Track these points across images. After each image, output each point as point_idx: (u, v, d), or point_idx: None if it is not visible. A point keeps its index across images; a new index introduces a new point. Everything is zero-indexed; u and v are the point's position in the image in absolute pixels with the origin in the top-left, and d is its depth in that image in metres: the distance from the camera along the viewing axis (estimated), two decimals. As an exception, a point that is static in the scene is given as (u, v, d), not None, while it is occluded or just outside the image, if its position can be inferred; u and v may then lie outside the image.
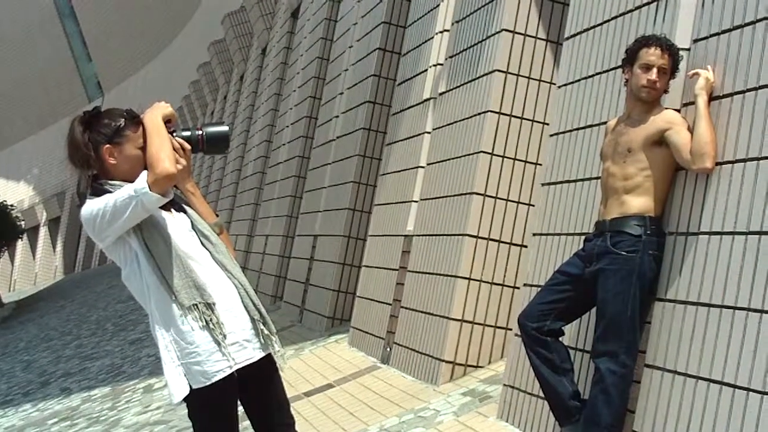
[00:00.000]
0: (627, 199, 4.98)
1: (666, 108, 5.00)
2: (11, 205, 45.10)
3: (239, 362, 3.98)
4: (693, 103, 4.79)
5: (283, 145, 17.05)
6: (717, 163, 4.61)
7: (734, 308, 4.31)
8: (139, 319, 20.04)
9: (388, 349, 9.01)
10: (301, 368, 9.88)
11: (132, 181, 3.88)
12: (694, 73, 4.82)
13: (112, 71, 64.92)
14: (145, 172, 3.84)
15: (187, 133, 4.10)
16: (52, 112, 67.41)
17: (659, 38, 5.02)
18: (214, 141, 4.17)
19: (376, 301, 9.66)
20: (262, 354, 4.08)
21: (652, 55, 4.98)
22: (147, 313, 4.10)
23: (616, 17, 5.90)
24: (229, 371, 3.94)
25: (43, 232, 70.00)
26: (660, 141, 4.89)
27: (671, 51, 4.98)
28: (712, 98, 4.73)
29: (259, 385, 4.15)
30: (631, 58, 5.08)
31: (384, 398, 7.90)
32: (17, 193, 70.23)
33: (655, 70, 4.96)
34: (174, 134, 4.03)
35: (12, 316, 37.87)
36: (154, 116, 3.99)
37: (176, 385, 3.94)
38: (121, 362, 15.68)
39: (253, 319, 4.06)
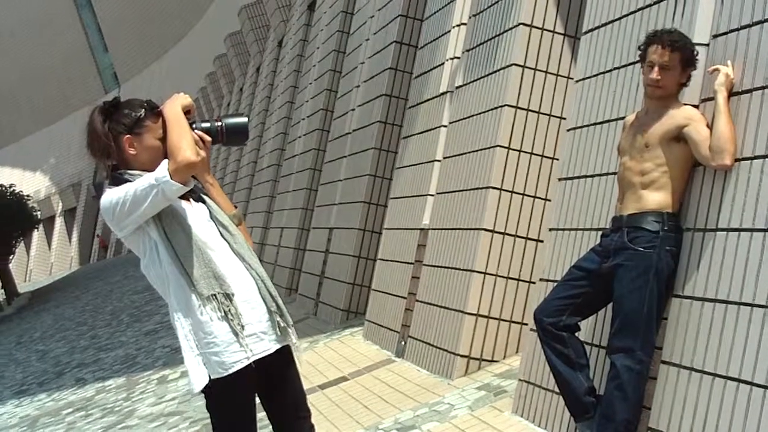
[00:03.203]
0: (644, 195, 4.96)
1: (685, 104, 4.97)
2: (27, 196, 45.24)
3: (256, 353, 3.99)
4: (712, 98, 4.77)
5: (299, 137, 17.05)
6: (736, 160, 4.59)
7: (752, 305, 4.30)
8: (154, 311, 20.11)
9: (403, 343, 9.01)
10: (315, 361, 9.89)
11: (151, 171, 3.89)
12: (714, 69, 4.79)
13: (129, 62, 65.05)
14: (166, 161, 3.85)
15: (206, 125, 4.11)
16: (68, 102, 67.62)
17: (661, 35, 4.98)
18: (234, 132, 4.17)
19: (392, 294, 9.66)
20: (279, 346, 4.09)
21: (654, 53, 4.95)
22: (165, 304, 4.11)
23: (634, 12, 5.88)
24: (246, 362, 3.95)
25: (59, 222, 70.27)
26: (678, 137, 4.86)
27: (673, 47, 4.93)
28: (731, 94, 4.70)
29: (275, 376, 4.16)
30: (642, 55, 5.07)
31: (398, 392, 7.90)
32: (33, 184, 70.47)
33: (656, 68, 4.93)
34: (193, 126, 4.03)
35: (27, 306, 38.05)
36: (174, 106, 4.00)
37: (197, 374, 3.95)
38: (135, 353, 15.73)
39: (270, 311, 4.07)
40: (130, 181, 3.92)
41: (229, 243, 4.10)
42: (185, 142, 3.85)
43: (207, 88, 38.13)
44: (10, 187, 43.20)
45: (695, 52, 4.96)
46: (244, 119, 4.23)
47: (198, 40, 50.07)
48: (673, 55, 4.91)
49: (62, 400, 13.55)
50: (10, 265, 45.85)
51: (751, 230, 4.40)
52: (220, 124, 4.14)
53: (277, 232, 17.61)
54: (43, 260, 70.34)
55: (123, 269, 37.48)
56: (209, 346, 3.94)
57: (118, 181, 3.98)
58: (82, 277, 47.29)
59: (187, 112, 4.02)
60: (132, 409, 11.02)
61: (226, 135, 4.15)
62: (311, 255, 14.18)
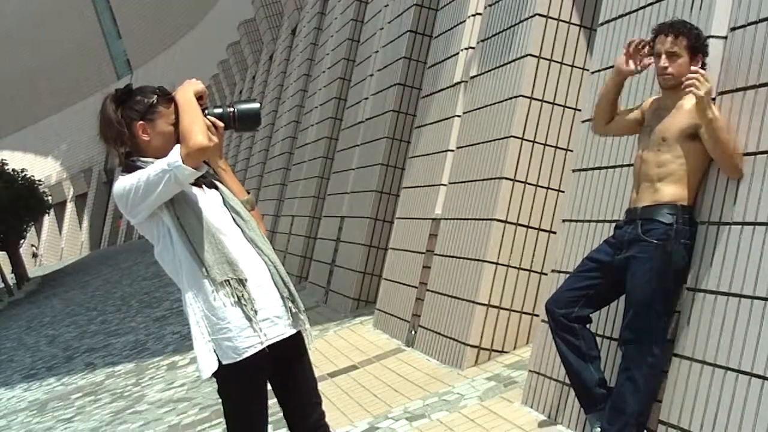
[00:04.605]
0: (660, 187, 4.93)
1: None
2: (39, 181, 45.37)
3: (270, 338, 4.01)
4: (730, 91, 4.75)
5: (312, 125, 17.05)
6: (752, 153, 4.56)
7: (765, 299, 4.28)
8: (163, 297, 20.15)
9: (413, 332, 9.00)
10: (325, 349, 9.89)
11: (165, 158, 3.90)
12: (687, 85, 4.70)
13: (142, 49, 65.12)
14: (178, 146, 3.86)
15: (218, 110, 4.11)
16: (80, 88, 67.72)
17: (664, 25, 4.99)
18: (246, 118, 4.17)
19: (402, 283, 9.66)
20: (293, 331, 4.11)
21: (658, 43, 4.98)
22: (175, 290, 4.13)
23: (651, 3, 5.84)
24: (260, 347, 3.97)
25: (70, 207, 70.48)
26: (695, 134, 4.84)
27: (677, 33, 4.91)
28: (749, 87, 4.67)
29: (288, 363, 4.18)
30: (651, 50, 5.08)
31: (408, 381, 7.90)
32: (45, 169, 70.67)
33: (663, 56, 4.93)
34: (206, 111, 4.04)
35: (37, 291, 38.17)
36: (187, 92, 4.01)
37: (205, 360, 3.96)
38: (145, 339, 15.77)
39: (282, 297, 4.07)
40: (143, 168, 3.93)
41: (242, 229, 4.11)
42: (197, 127, 3.86)
43: (220, 76, 38.14)
44: (22, 171, 43.36)
45: (702, 38, 4.94)
46: (257, 105, 4.23)
47: (211, 28, 50.09)
48: (678, 41, 4.91)
49: (71, 384, 13.60)
50: (21, 250, 45.98)
51: (765, 224, 4.38)
52: (232, 110, 4.14)
53: (288, 220, 17.62)
54: (54, 245, 70.56)
55: (133, 255, 37.59)
56: (222, 332, 3.95)
57: (131, 168, 3.99)
58: (92, 262, 47.42)
59: (199, 98, 4.03)
60: (141, 395, 11.05)
61: (238, 121, 4.15)
62: (322, 243, 14.19)
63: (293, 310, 4.10)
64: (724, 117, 4.70)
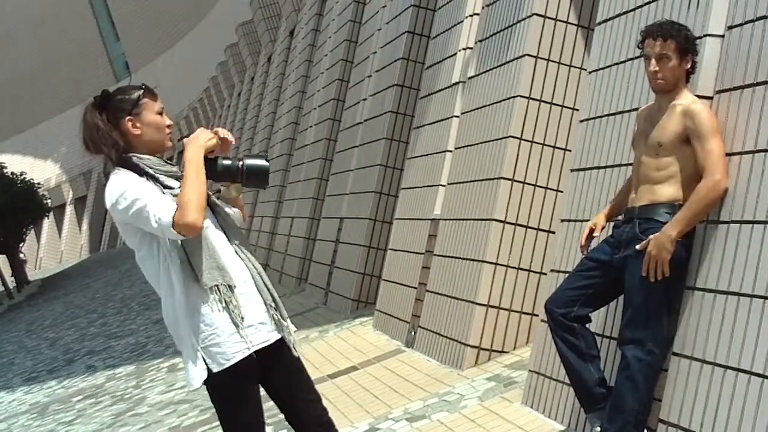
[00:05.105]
0: (658, 188, 4.92)
1: (697, 95, 4.94)
2: (38, 184, 45.35)
3: (256, 344, 4.02)
4: (727, 90, 4.75)
5: (310, 127, 17.05)
6: (749, 152, 4.56)
7: (764, 298, 4.28)
8: (163, 299, 20.12)
9: (413, 333, 9.00)
10: (325, 350, 9.89)
11: (157, 149, 4.04)
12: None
13: (140, 51, 65.08)
14: (174, 205, 3.84)
15: (228, 162, 4.12)
16: (79, 91, 67.62)
17: (652, 28, 4.97)
18: (254, 175, 4.18)
19: (402, 284, 9.66)
20: (278, 336, 4.12)
21: (647, 46, 4.96)
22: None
23: (648, 3, 5.84)
24: (247, 352, 3.98)
25: (70, 210, 70.42)
26: (689, 139, 4.83)
27: (665, 36, 4.90)
28: (746, 86, 4.68)
29: (277, 368, 4.18)
30: (642, 52, 5.08)
31: (408, 382, 7.90)
32: (44, 172, 70.60)
33: (653, 60, 4.92)
34: (216, 160, 4.06)
35: (38, 294, 38.15)
36: (196, 150, 4.00)
37: (194, 370, 3.98)
38: (145, 341, 15.77)
39: (265, 303, 4.09)
40: (138, 166, 3.96)
41: (227, 236, 4.13)
42: (194, 203, 3.84)
43: (218, 78, 38.16)
44: (21, 175, 43.35)
45: (691, 38, 4.93)
46: (266, 164, 4.20)
47: (210, 30, 50.07)
48: (666, 44, 4.88)
49: (72, 387, 13.60)
50: (21, 254, 45.96)
51: (764, 222, 4.38)
52: (241, 164, 4.14)
53: (287, 221, 17.61)
54: (54, 248, 70.54)
55: (133, 258, 37.51)
56: (210, 338, 3.96)
57: (127, 164, 4.00)
58: (92, 264, 47.41)
59: (210, 151, 4.05)
60: (142, 397, 11.05)
61: (246, 177, 4.16)
62: (322, 245, 14.19)
63: (276, 318, 4.12)
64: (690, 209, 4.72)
